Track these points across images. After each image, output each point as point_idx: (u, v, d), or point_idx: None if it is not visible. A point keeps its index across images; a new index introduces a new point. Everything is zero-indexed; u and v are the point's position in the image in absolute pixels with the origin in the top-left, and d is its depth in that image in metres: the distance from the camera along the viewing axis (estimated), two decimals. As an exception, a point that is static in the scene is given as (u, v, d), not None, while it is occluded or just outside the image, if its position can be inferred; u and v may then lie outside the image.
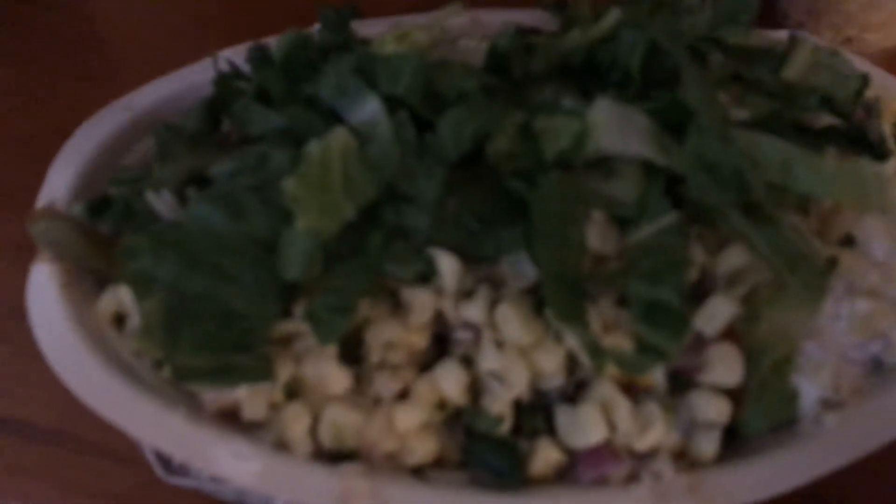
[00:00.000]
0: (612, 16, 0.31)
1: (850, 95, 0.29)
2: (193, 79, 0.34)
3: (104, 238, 0.28)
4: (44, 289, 0.27)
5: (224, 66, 0.32)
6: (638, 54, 0.28)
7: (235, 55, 0.34)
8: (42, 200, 0.30)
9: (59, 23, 0.47)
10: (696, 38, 0.30)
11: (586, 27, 0.31)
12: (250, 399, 0.25)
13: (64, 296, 0.27)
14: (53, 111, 0.43)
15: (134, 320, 0.27)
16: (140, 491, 0.31)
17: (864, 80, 0.30)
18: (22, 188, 0.33)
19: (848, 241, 0.28)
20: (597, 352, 0.23)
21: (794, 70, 0.30)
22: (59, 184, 0.30)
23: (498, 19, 0.36)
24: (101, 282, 0.28)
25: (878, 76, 0.34)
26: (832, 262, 0.26)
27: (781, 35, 0.33)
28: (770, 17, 0.47)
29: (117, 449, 0.31)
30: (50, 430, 0.33)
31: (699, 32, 0.31)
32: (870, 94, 0.30)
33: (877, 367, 0.27)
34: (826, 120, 0.29)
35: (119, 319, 0.28)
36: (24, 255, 0.29)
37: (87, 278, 0.28)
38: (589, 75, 0.30)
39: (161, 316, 0.24)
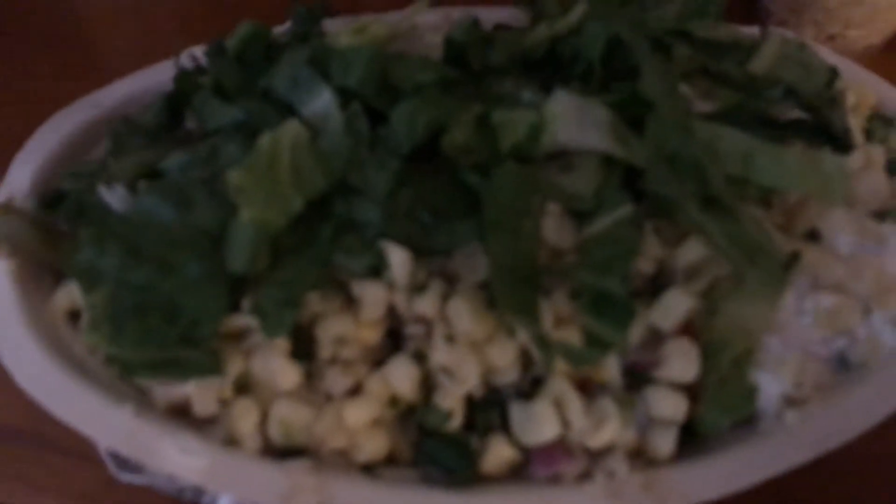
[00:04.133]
0: (579, 9, 0.30)
1: (817, 88, 0.28)
2: (162, 76, 0.34)
3: (60, 233, 0.28)
4: (-2, 285, 0.27)
5: (188, 63, 0.32)
6: (599, 47, 0.28)
7: (199, 54, 0.33)
8: (0, 195, 0.29)
9: (38, 21, 0.47)
10: (664, 30, 0.30)
11: (554, 21, 0.31)
12: (199, 394, 0.25)
13: (18, 292, 0.27)
14: (30, 109, 0.43)
15: (87, 316, 0.27)
16: (100, 488, 0.30)
17: (833, 72, 0.29)
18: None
19: (813, 236, 0.27)
20: (545, 345, 0.22)
21: (761, 63, 0.29)
22: (19, 179, 0.30)
23: (469, 16, 0.36)
24: (59, 278, 0.28)
25: (852, 71, 0.33)
26: (795, 256, 0.25)
27: (753, 30, 0.33)
28: (753, 14, 0.46)
29: (77, 447, 0.31)
30: (9, 427, 0.32)
31: (667, 25, 0.30)
32: (841, 86, 0.30)
33: (842, 363, 0.26)
34: (795, 112, 0.28)
35: (75, 315, 0.28)
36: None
37: (45, 274, 0.28)
38: (552, 68, 0.29)
39: (107, 309, 0.24)
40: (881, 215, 0.28)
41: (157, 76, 0.34)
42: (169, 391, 0.25)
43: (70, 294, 0.27)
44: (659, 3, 0.32)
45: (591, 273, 0.22)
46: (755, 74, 0.29)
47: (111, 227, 0.24)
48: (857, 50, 0.43)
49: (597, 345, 0.22)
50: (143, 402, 0.25)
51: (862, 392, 0.25)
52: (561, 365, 0.23)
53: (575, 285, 0.23)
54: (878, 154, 0.29)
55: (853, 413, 0.25)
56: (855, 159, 0.28)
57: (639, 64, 0.27)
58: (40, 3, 0.49)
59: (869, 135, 0.30)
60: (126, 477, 0.26)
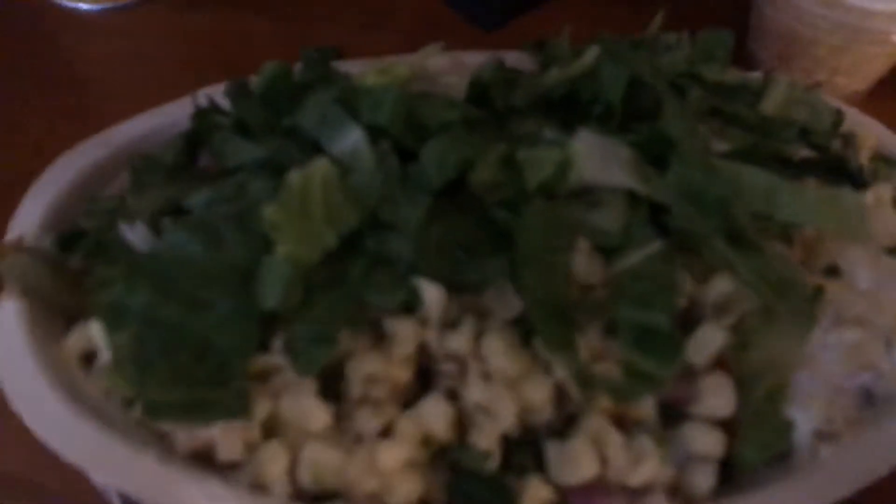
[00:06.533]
0: (592, 52, 0.31)
1: (826, 129, 0.29)
2: (172, 116, 0.33)
3: (74, 273, 0.27)
4: (9, 326, 0.26)
5: (203, 103, 0.32)
6: (619, 87, 0.28)
7: (214, 94, 0.33)
8: (11, 234, 0.29)
9: (40, 64, 0.47)
10: (675, 74, 0.31)
11: (566, 64, 0.31)
12: (225, 438, 0.24)
13: (29, 334, 0.26)
14: (31, 150, 0.42)
15: (103, 358, 0.26)
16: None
17: (839, 114, 0.30)
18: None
19: (832, 272, 0.27)
20: (587, 380, 0.22)
21: (771, 104, 0.30)
22: (29, 217, 0.29)
23: (478, 60, 0.37)
24: (70, 320, 0.27)
25: (851, 114, 0.34)
26: (819, 290, 0.26)
27: (756, 75, 0.34)
28: (739, 61, 0.48)
29: (82, 498, 0.30)
30: (12, 478, 0.31)
31: (678, 69, 0.31)
32: (844, 129, 0.31)
33: (868, 398, 0.26)
34: (805, 152, 0.29)
35: (87, 359, 0.27)
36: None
37: (56, 316, 0.27)
38: (570, 110, 0.30)
39: (132, 349, 0.23)
40: (892, 251, 0.29)
41: (167, 115, 0.34)
42: (192, 436, 0.24)
43: (84, 336, 0.26)
44: (668, 48, 0.33)
45: (633, 308, 0.22)
46: (766, 115, 0.30)
47: (140, 264, 0.23)
48: (843, 96, 0.45)
49: (641, 379, 0.22)
50: (164, 448, 0.24)
51: (891, 426, 0.25)
52: (599, 402, 0.23)
53: (616, 320, 0.23)
54: (886, 192, 0.30)
55: (887, 447, 0.25)
56: (867, 197, 0.28)
57: (660, 104, 0.27)
58: (38, 47, 0.48)
59: (874, 175, 0.31)
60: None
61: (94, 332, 0.26)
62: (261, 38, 0.50)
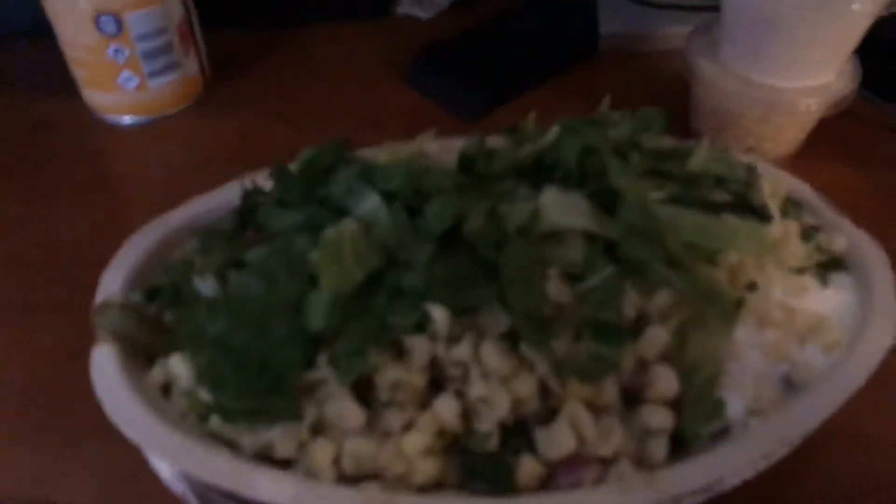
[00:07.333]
0: (554, 131, 0.39)
1: (740, 178, 0.37)
2: (218, 199, 0.41)
3: (152, 320, 0.34)
4: (107, 365, 0.33)
5: (248, 186, 0.40)
6: (575, 155, 0.36)
7: (255, 178, 0.41)
8: (99, 297, 0.36)
9: (84, 169, 0.55)
10: (620, 142, 0.39)
11: (534, 141, 0.40)
12: (282, 438, 0.30)
13: (122, 369, 0.33)
14: (74, 242, 0.50)
15: (181, 385, 0.32)
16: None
17: (751, 167, 0.38)
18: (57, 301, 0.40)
19: (752, 287, 0.35)
20: (560, 368, 0.29)
21: (695, 163, 0.38)
22: (112, 284, 0.36)
23: (476, 136, 0.45)
24: (149, 359, 0.34)
25: (767, 169, 0.42)
26: (741, 300, 0.33)
27: (689, 142, 0.42)
28: (684, 133, 0.57)
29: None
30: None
31: (623, 138, 0.39)
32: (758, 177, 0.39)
33: (787, 384, 0.33)
34: (723, 197, 0.37)
35: (165, 390, 0.33)
36: (69, 358, 0.36)
37: (139, 356, 0.34)
38: (537, 174, 0.38)
39: (210, 367, 0.30)
40: (800, 272, 0.37)
41: (215, 199, 0.42)
42: (255, 438, 0.30)
43: (163, 370, 0.33)
44: (615, 123, 0.41)
45: (592, 308, 0.30)
46: (692, 171, 0.38)
47: (218, 299, 0.30)
48: (771, 159, 0.53)
49: (600, 363, 0.29)
50: (233, 451, 0.31)
51: (805, 403, 0.32)
52: (573, 390, 0.30)
53: (580, 319, 0.30)
54: (793, 226, 0.37)
55: (800, 420, 0.31)
56: (776, 228, 0.36)
57: (604, 168, 0.35)
58: (88, 157, 0.57)
59: (785, 214, 0.39)
60: (213, 521, 0.31)
61: (172, 365, 0.33)
62: (281, 141, 0.58)
